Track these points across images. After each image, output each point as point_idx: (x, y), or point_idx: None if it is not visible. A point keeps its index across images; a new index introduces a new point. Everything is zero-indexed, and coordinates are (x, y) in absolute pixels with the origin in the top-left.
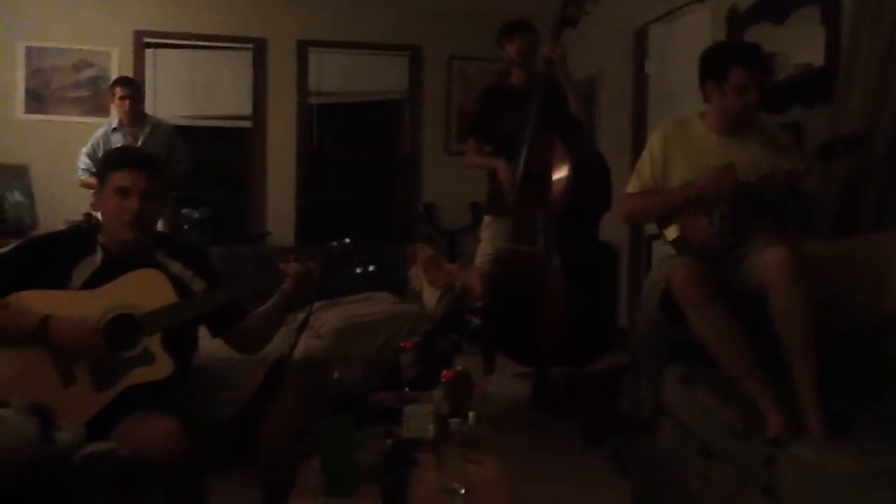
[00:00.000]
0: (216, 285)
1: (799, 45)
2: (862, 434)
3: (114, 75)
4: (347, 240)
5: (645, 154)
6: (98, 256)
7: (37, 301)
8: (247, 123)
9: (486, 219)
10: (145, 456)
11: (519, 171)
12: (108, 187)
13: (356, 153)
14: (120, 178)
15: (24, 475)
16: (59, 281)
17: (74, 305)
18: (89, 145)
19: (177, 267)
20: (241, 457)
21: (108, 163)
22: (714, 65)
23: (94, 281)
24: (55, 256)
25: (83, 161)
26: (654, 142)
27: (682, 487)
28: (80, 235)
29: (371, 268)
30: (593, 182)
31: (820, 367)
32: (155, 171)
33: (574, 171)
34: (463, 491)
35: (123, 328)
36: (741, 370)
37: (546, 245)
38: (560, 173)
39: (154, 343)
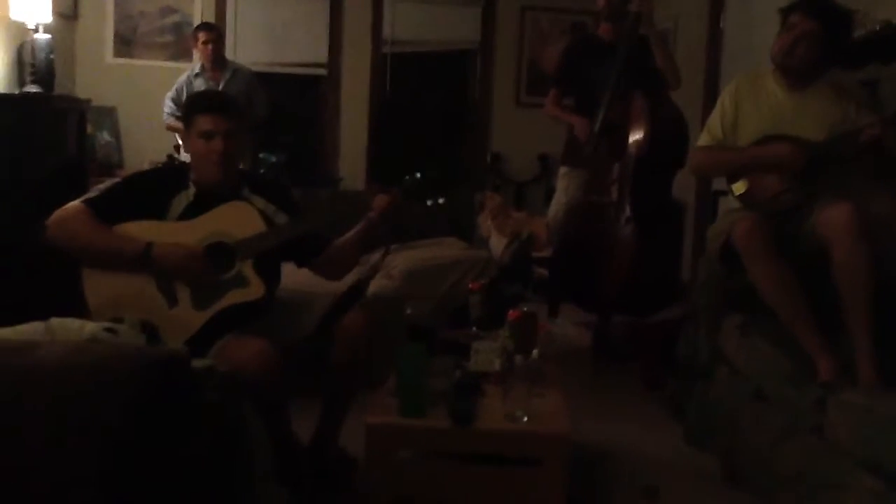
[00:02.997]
0: (298, 217)
1: (880, 1)
2: None
3: (197, 21)
4: (419, 174)
5: (717, 108)
6: (191, 191)
7: (139, 231)
8: (322, 71)
9: (563, 169)
10: (240, 373)
11: (598, 123)
12: (194, 132)
13: (428, 102)
14: (203, 123)
15: (146, 373)
16: (157, 214)
17: (173, 235)
18: (173, 90)
19: (260, 202)
20: (320, 364)
21: (191, 109)
22: (785, 8)
23: (188, 213)
24: (153, 191)
25: (168, 105)
26: (725, 96)
27: (734, 429)
28: (175, 173)
29: (441, 200)
30: (671, 138)
31: (875, 321)
32: (235, 111)
33: (653, 127)
34: (526, 419)
35: (219, 254)
36: (795, 318)
37: (619, 197)
38: (639, 128)
39: (247, 267)
